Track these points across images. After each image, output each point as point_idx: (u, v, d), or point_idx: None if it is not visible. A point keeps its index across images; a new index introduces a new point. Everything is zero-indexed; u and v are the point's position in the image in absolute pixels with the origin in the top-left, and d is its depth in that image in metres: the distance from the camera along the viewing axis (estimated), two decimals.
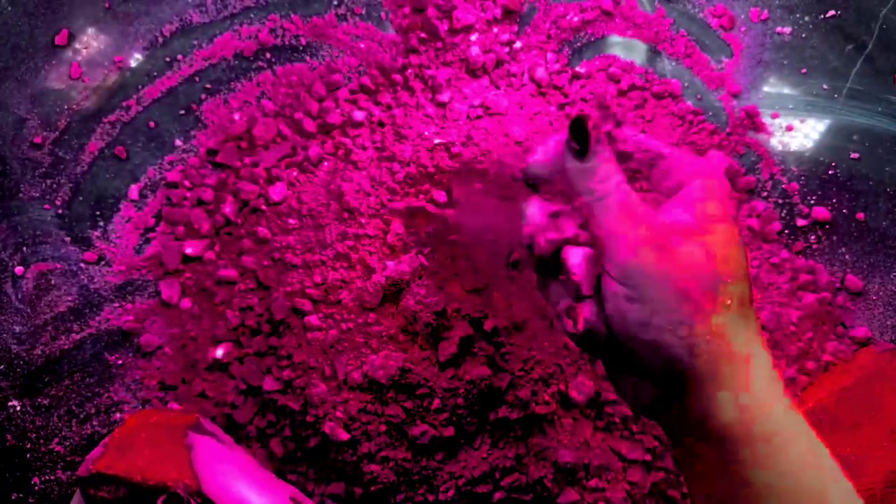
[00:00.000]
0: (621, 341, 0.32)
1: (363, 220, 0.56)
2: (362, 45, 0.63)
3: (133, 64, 0.62)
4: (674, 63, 0.64)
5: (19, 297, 0.58)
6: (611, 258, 0.31)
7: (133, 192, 0.60)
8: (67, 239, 0.59)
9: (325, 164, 0.59)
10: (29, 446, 0.56)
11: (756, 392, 0.30)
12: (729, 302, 0.30)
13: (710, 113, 0.63)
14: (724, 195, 0.33)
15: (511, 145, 0.57)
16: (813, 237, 0.61)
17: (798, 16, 0.64)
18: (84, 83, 0.61)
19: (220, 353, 0.56)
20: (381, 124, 0.60)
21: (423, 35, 0.62)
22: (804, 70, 0.63)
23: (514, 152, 0.56)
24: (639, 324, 0.30)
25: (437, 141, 0.57)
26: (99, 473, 0.48)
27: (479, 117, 0.59)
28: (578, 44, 0.64)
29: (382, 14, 0.64)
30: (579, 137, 0.32)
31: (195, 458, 0.48)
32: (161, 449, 0.49)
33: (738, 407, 0.30)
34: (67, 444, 0.56)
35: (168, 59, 0.62)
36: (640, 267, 0.30)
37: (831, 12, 0.64)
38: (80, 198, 0.59)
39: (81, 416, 0.57)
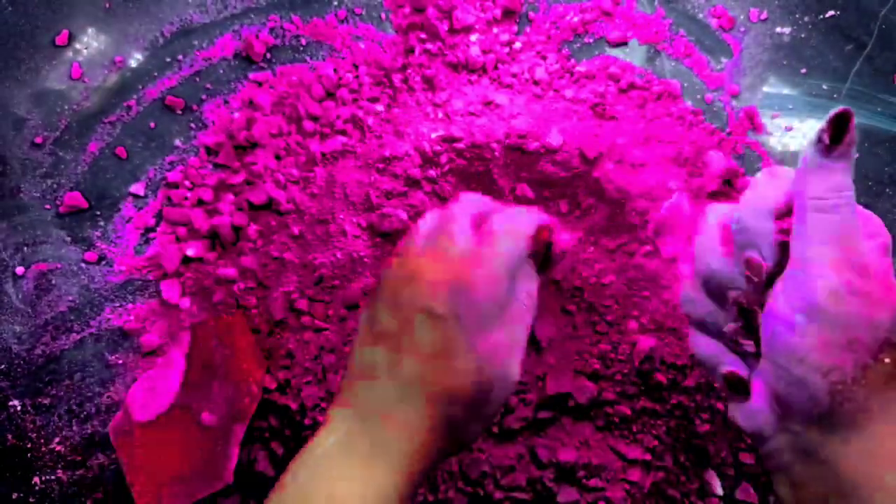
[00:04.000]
0: (766, 359, 0.32)
1: (363, 220, 0.57)
2: (362, 45, 0.63)
3: (133, 64, 0.62)
4: (673, 63, 0.64)
5: (20, 297, 0.58)
6: (796, 285, 0.30)
7: (133, 191, 0.60)
8: (68, 239, 0.59)
9: (325, 163, 0.59)
10: (29, 446, 0.56)
11: (887, 454, 0.30)
12: (887, 360, 0.30)
13: (710, 113, 0.63)
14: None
15: (515, 137, 0.57)
16: None
17: (798, 16, 0.64)
18: (84, 83, 0.61)
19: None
20: (381, 124, 0.60)
21: (423, 35, 0.62)
22: (804, 70, 0.63)
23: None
24: (793, 355, 0.30)
25: (434, 135, 0.57)
26: None
27: (479, 115, 0.59)
28: (578, 44, 0.64)
29: (382, 14, 0.64)
30: (837, 131, 0.30)
31: None
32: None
33: (868, 461, 0.30)
34: (68, 443, 0.56)
35: (168, 59, 0.62)
36: (826, 309, 0.29)
37: (831, 12, 0.64)
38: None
39: (81, 415, 0.57)
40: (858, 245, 0.30)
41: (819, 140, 0.30)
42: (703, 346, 0.37)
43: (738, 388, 0.34)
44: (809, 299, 0.30)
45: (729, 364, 0.35)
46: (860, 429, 0.30)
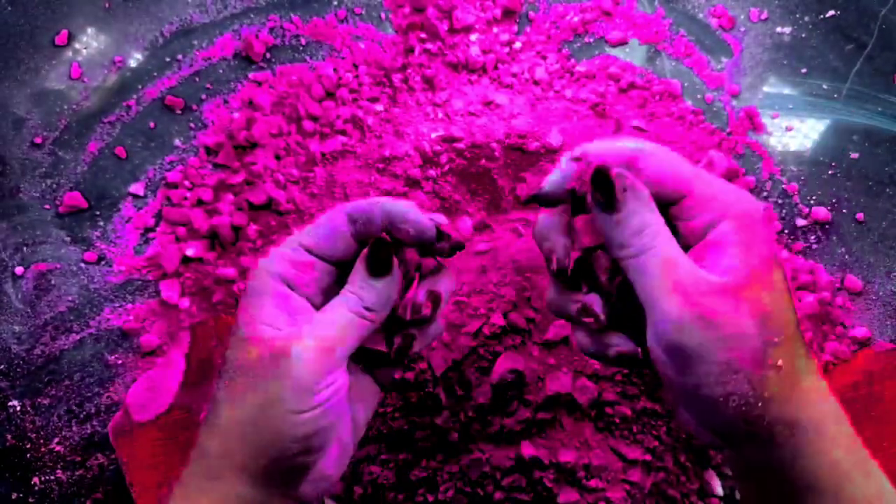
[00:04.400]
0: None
1: None
2: (362, 45, 0.63)
3: (133, 64, 0.62)
4: (673, 63, 0.64)
5: (19, 297, 0.58)
6: (651, 327, 0.29)
7: (133, 191, 0.60)
8: (67, 239, 0.59)
9: (325, 163, 0.59)
10: (29, 446, 0.56)
11: (824, 447, 0.29)
12: (780, 363, 0.28)
13: (710, 113, 0.63)
14: (764, 236, 0.30)
15: (513, 137, 0.57)
16: (813, 237, 0.61)
17: (798, 16, 0.64)
18: (84, 83, 0.61)
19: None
20: (381, 124, 0.60)
21: (423, 35, 0.62)
22: (804, 70, 0.63)
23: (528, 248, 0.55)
24: (687, 397, 0.29)
25: (434, 135, 0.57)
26: None
27: (479, 115, 0.59)
28: (578, 44, 0.64)
29: (382, 14, 0.64)
30: (603, 189, 0.29)
31: None
32: None
33: (805, 464, 0.29)
34: (67, 444, 0.56)
35: (168, 59, 0.62)
36: (683, 344, 0.28)
37: (831, 12, 0.64)
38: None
39: (81, 416, 0.57)
40: (682, 270, 0.29)
41: (596, 204, 0.29)
42: (583, 339, 0.34)
43: (635, 363, 0.32)
44: (667, 342, 0.29)
45: (616, 345, 0.33)
46: (792, 431, 0.29)
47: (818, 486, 0.29)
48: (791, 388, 0.29)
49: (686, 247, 0.31)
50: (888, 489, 0.30)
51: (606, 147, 0.31)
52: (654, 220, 0.30)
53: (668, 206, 0.31)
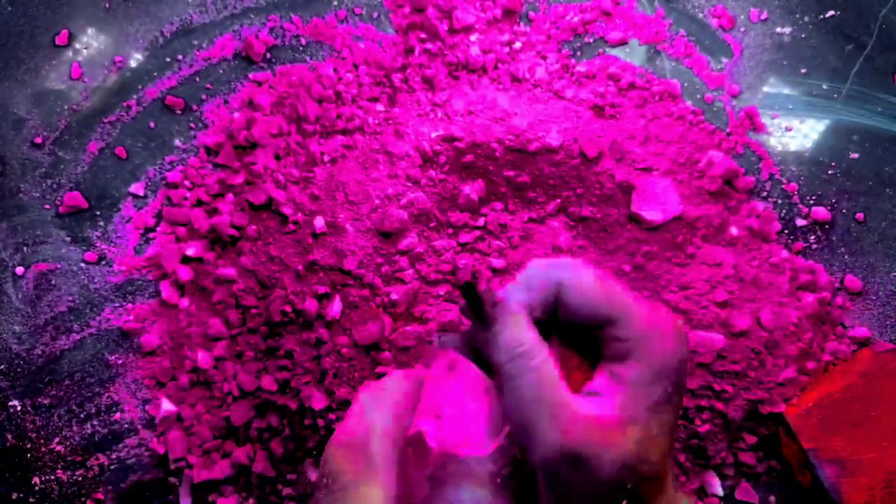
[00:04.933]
0: None
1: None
2: (362, 45, 0.63)
3: (133, 64, 0.62)
4: (673, 63, 0.64)
5: (19, 297, 0.58)
6: (528, 453, 0.28)
7: (133, 191, 0.60)
8: (68, 239, 0.59)
9: (325, 163, 0.59)
10: (29, 446, 0.56)
11: None
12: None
13: (710, 113, 0.63)
14: (670, 370, 0.29)
15: (511, 135, 0.57)
16: (812, 237, 0.61)
17: (798, 16, 0.64)
18: (84, 83, 0.61)
19: (200, 357, 0.56)
20: (381, 124, 0.60)
21: (423, 35, 0.62)
22: (804, 70, 0.63)
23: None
24: None
25: (434, 134, 0.57)
26: None
27: (479, 115, 0.59)
28: (578, 44, 0.64)
29: (382, 14, 0.64)
30: (474, 304, 0.28)
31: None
32: None
33: None
34: (67, 444, 0.56)
35: (168, 59, 0.62)
36: (556, 478, 0.28)
37: (831, 12, 0.64)
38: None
39: (81, 416, 0.57)
40: (555, 397, 0.28)
41: (467, 318, 0.29)
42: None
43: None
44: (545, 477, 0.28)
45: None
46: None
47: None
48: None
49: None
50: None
51: (532, 272, 0.31)
52: (527, 338, 0.29)
53: (595, 328, 0.31)
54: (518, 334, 0.29)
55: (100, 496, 0.56)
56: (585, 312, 0.30)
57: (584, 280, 0.30)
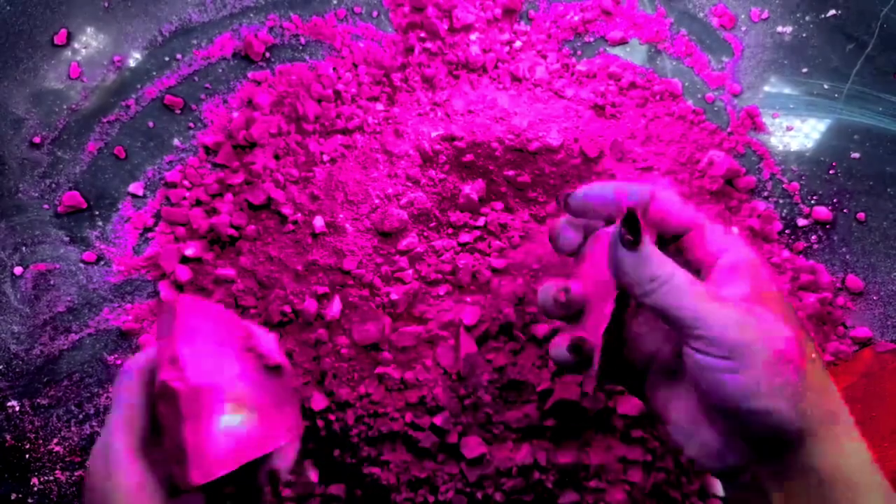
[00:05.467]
0: (719, 413, 0.33)
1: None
2: (362, 45, 0.63)
3: (132, 64, 0.62)
4: (674, 63, 0.64)
5: (18, 297, 0.57)
6: (706, 337, 0.31)
7: (132, 191, 0.60)
8: (66, 239, 0.59)
9: (325, 163, 0.59)
10: (28, 446, 0.56)
11: (849, 440, 0.31)
12: (814, 356, 0.31)
13: (711, 112, 0.63)
14: (761, 261, 0.34)
15: (512, 135, 0.57)
16: (814, 237, 0.61)
17: (798, 15, 0.64)
18: (83, 83, 0.61)
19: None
20: (381, 124, 0.60)
21: (422, 34, 0.62)
22: (805, 70, 0.63)
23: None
24: (745, 394, 0.31)
25: (434, 134, 0.57)
26: None
27: (479, 114, 0.59)
28: (579, 43, 0.64)
29: (382, 13, 0.63)
30: (632, 229, 0.33)
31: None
32: None
33: (839, 456, 0.31)
34: (67, 444, 0.56)
35: (167, 59, 0.62)
36: (744, 338, 0.30)
37: (832, 12, 0.63)
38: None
39: (81, 416, 0.57)
40: (710, 287, 0.32)
41: (623, 240, 0.33)
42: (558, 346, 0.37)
43: (585, 361, 0.35)
44: (726, 342, 0.31)
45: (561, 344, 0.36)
46: (833, 423, 0.31)
47: (853, 479, 0.31)
48: (824, 383, 0.31)
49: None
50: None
51: (627, 188, 0.36)
52: (665, 257, 0.33)
53: (668, 242, 0.36)
54: (659, 253, 0.33)
55: None
56: (675, 214, 0.35)
57: (666, 192, 0.36)
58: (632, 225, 0.33)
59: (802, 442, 0.31)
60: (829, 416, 0.31)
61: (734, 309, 0.31)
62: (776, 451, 0.32)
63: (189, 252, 0.57)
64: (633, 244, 0.33)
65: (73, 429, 0.57)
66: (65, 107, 0.60)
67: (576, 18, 0.64)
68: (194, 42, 0.62)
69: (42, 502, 0.56)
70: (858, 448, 0.32)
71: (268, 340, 0.42)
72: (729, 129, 0.62)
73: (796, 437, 0.31)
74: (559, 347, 0.36)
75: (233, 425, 0.37)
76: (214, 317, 0.40)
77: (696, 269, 0.35)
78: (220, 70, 0.62)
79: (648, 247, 0.33)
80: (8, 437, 0.56)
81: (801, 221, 0.61)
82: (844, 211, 0.61)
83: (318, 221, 0.56)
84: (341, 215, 0.57)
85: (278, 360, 0.42)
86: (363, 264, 0.56)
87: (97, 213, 0.59)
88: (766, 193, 0.61)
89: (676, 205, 0.35)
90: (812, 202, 0.61)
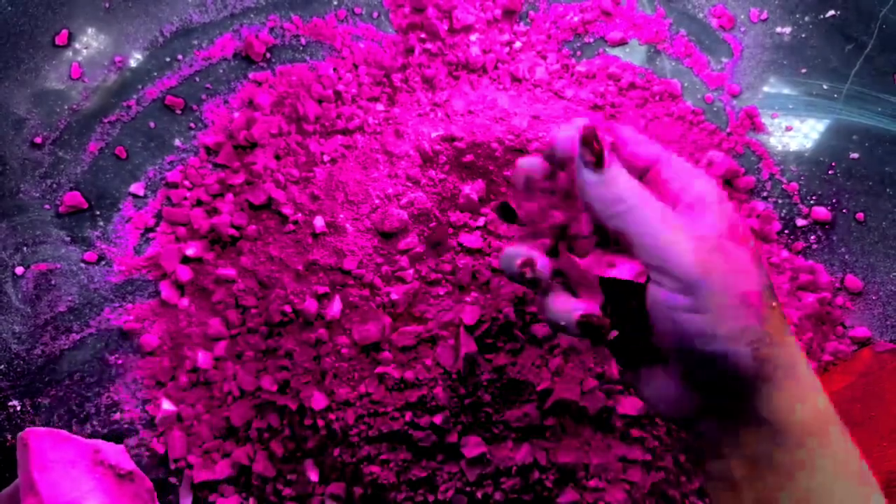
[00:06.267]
0: (673, 355, 0.31)
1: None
2: (362, 45, 0.63)
3: (133, 64, 0.62)
4: (674, 63, 0.64)
5: (19, 296, 0.58)
6: (666, 269, 0.29)
7: (133, 191, 0.60)
8: (67, 239, 0.59)
9: (325, 163, 0.59)
10: None
11: (807, 391, 0.30)
12: (774, 304, 0.30)
13: (710, 113, 0.63)
14: (733, 204, 0.32)
15: (511, 135, 0.57)
16: (813, 237, 0.61)
17: (798, 16, 0.64)
18: (84, 83, 0.61)
19: (200, 358, 0.56)
20: (381, 124, 0.60)
21: (423, 35, 0.62)
22: (804, 70, 0.63)
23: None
24: (702, 335, 0.29)
25: (434, 134, 0.57)
26: None
27: (479, 115, 0.59)
28: (578, 43, 0.64)
29: (382, 14, 0.64)
30: (591, 149, 0.31)
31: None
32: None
33: (795, 406, 0.30)
34: None
35: (168, 59, 0.62)
36: (706, 276, 0.29)
37: (831, 12, 0.64)
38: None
39: (81, 415, 0.57)
40: (678, 217, 0.30)
41: (585, 162, 0.31)
42: (543, 303, 0.34)
43: (599, 334, 0.32)
44: (687, 278, 0.29)
45: (579, 309, 0.32)
46: (793, 371, 0.30)
47: (812, 428, 0.30)
48: (783, 331, 0.30)
49: None
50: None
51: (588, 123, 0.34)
52: (633, 180, 0.31)
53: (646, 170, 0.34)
54: (626, 176, 0.31)
55: None
56: (642, 148, 0.33)
57: (629, 128, 0.34)
58: (589, 143, 0.31)
59: (757, 390, 0.29)
60: (788, 366, 0.30)
61: (701, 243, 0.29)
62: (730, 398, 0.30)
63: (190, 252, 0.58)
64: (597, 164, 0.31)
65: (73, 428, 0.57)
66: (66, 107, 0.60)
67: (575, 19, 0.64)
68: (195, 42, 0.62)
69: None
70: (817, 399, 0.30)
71: (116, 451, 0.50)
72: (728, 130, 0.62)
73: (751, 385, 0.29)
74: (511, 258, 0.33)
75: None
76: (63, 441, 0.47)
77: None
78: (221, 70, 0.62)
79: (615, 168, 0.31)
80: (9, 436, 0.56)
81: (800, 221, 0.61)
82: (843, 211, 0.61)
83: (319, 221, 0.56)
84: (342, 215, 0.57)
85: (128, 467, 0.49)
86: (363, 264, 0.56)
87: (98, 213, 0.59)
88: (765, 193, 0.61)
89: (639, 139, 0.33)
90: (811, 202, 0.61)
